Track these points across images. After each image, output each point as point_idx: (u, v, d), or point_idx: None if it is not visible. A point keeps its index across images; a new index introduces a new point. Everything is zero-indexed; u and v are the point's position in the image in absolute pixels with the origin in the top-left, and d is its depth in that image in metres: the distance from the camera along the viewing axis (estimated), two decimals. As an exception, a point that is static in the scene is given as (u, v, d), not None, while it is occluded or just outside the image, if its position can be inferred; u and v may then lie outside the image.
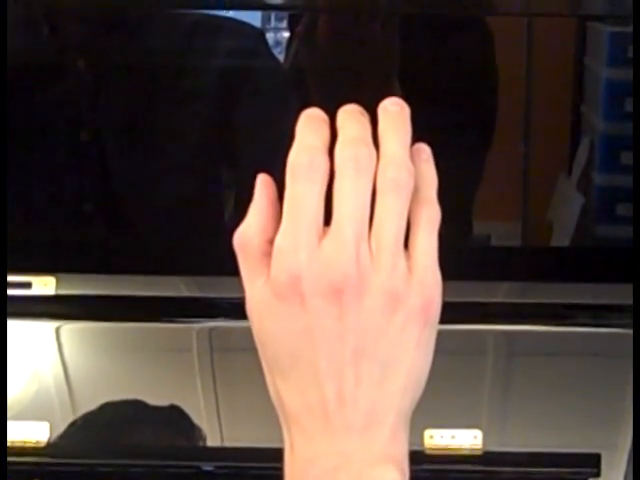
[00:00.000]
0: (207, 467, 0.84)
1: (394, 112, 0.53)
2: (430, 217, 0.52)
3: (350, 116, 0.53)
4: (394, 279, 0.50)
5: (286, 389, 0.52)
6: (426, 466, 0.81)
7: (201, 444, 0.84)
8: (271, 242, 0.52)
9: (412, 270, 0.51)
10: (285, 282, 0.50)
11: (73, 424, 0.85)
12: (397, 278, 0.50)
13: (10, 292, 0.86)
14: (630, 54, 0.89)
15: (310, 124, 0.52)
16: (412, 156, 0.52)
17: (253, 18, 0.89)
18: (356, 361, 0.50)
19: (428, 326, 0.51)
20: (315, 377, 0.51)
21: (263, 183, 0.54)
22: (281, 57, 0.90)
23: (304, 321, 0.50)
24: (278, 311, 0.51)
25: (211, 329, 0.90)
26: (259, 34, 0.89)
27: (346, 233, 0.50)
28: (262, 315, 0.52)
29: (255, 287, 0.52)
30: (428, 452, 0.82)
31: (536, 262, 0.92)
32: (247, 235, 0.52)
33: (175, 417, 0.85)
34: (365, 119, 0.53)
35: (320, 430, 0.51)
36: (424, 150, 0.53)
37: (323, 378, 0.50)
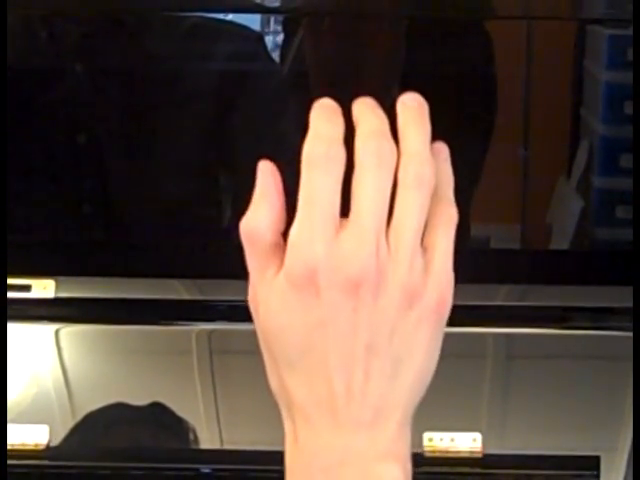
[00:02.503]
0: (206, 470, 0.84)
1: (413, 107, 0.52)
2: (449, 217, 0.52)
3: (367, 108, 0.52)
4: (412, 275, 0.50)
5: (293, 381, 0.52)
6: (425, 469, 0.81)
7: (200, 446, 0.84)
8: (280, 232, 0.51)
9: (428, 269, 0.51)
10: (301, 274, 0.50)
11: (72, 427, 0.85)
12: (414, 275, 0.50)
13: (10, 295, 0.86)
14: (629, 57, 0.89)
15: (324, 113, 0.52)
16: (432, 155, 0.52)
17: (252, 21, 0.90)
18: (368, 356, 0.50)
19: (439, 325, 0.52)
20: (325, 370, 0.50)
21: (266, 170, 0.53)
22: (279, 60, 0.90)
23: (318, 313, 0.50)
24: (292, 302, 0.50)
25: (210, 332, 0.90)
26: (257, 37, 0.90)
27: (366, 227, 0.49)
28: (271, 305, 0.51)
29: (264, 278, 0.52)
30: (427, 455, 0.82)
31: (535, 265, 0.92)
32: (256, 226, 0.52)
33: (174, 419, 0.85)
34: (381, 112, 0.52)
35: (327, 423, 0.51)
36: (443, 150, 0.53)
37: (333, 371, 0.50)
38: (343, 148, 0.51)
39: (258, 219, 0.52)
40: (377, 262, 0.49)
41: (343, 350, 0.50)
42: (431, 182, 0.50)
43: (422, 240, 0.52)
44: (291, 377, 0.52)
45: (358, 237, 0.49)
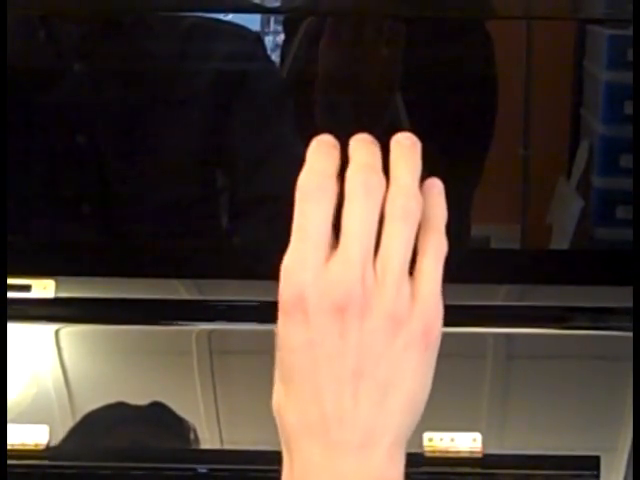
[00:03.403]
0: (206, 470, 0.84)
1: (406, 145, 0.54)
2: (437, 246, 0.53)
3: (362, 144, 0.54)
4: (397, 303, 0.51)
5: (286, 404, 0.53)
6: (425, 469, 0.81)
7: (200, 446, 0.84)
8: None
9: (415, 296, 0.52)
10: (290, 299, 0.51)
11: (72, 427, 0.85)
12: (400, 302, 0.51)
13: (10, 295, 0.86)
14: (629, 57, 0.89)
15: (320, 149, 0.54)
16: (425, 189, 0.54)
17: (252, 21, 0.90)
18: (356, 380, 0.51)
19: (429, 351, 0.52)
20: (315, 394, 0.51)
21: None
22: (279, 60, 0.90)
23: (307, 337, 0.51)
24: (283, 327, 0.52)
25: (210, 332, 0.90)
26: (256, 37, 0.90)
27: (353, 254, 0.51)
28: (278, 328, 0.53)
29: None
30: (427, 455, 0.82)
31: (535, 265, 0.92)
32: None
33: (174, 419, 0.85)
34: (376, 148, 0.54)
35: (317, 447, 0.51)
36: (436, 184, 0.55)
37: (323, 395, 0.51)
38: (335, 181, 0.52)
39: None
40: (362, 287, 0.51)
41: (332, 373, 0.51)
42: (417, 214, 0.52)
43: (412, 269, 0.53)
44: (285, 400, 0.53)
45: (344, 264, 0.51)
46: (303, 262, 0.51)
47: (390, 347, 0.51)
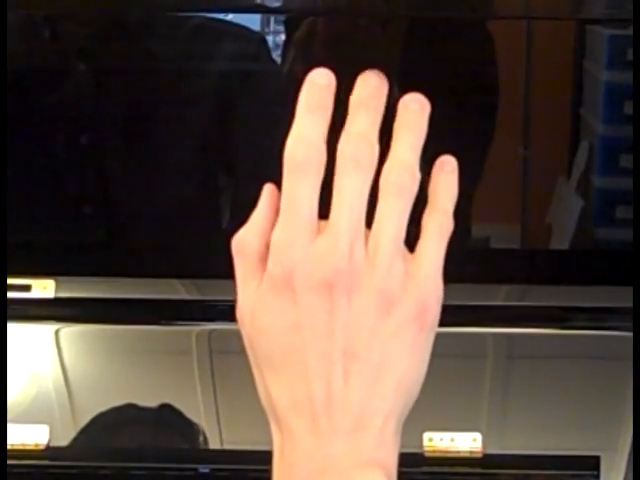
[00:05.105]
0: (206, 470, 0.84)
1: (413, 110, 0.53)
2: (441, 226, 0.52)
3: (365, 100, 0.52)
4: (389, 280, 0.50)
5: (275, 386, 0.51)
6: (425, 468, 0.81)
7: (200, 447, 0.84)
8: (269, 247, 0.52)
9: (413, 275, 0.51)
10: (279, 276, 0.50)
11: (73, 427, 0.85)
12: (392, 280, 0.50)
13: (10, 295, 0.86)
14: (629, 57, 0.89)
15: (311, 109, 0.52)
16: (437, 166, 0.53)
17: (253, 21, 0.89)
18: (346, 360, 0.50)
19: (424, 332, 0.51)
20: (304, 374, 0.50)
21: (268, 191, 0.54)
22: (280, 61, 0.90)
23: (295, 316, 0.50)
24: (272, 305, 0.51)
25: (210, 331, 0.90)
26: (260, 38, 0.89)
27: (341, 230, 0.50)
28: (255, 312, 0.51)
29: (249, 289, 0.52)
30: (427, 455, 0.82)
31: (535, 265, 0.92)
32: (246, 239, 0.53)
33: (174, 419, 0.85)
34: (378, 104, 0.52)
35: (307, 430, 0.50)
36: (449, 162, 0.53)
37: (312, 375, 0.50)
38: (324, 150, 0.51)
39: (247, 229, 0.53)
40: (350, 264, 0.49)
41: (321, 353, 0.50)
42: (412, 190, 0.51)
43: (414, 249, 0.52)
44: (274, 383, 0.51)
45: (332, 240, 0.50)
46: (291, 239, 0.50)
47: (382, 326, 0.50)
